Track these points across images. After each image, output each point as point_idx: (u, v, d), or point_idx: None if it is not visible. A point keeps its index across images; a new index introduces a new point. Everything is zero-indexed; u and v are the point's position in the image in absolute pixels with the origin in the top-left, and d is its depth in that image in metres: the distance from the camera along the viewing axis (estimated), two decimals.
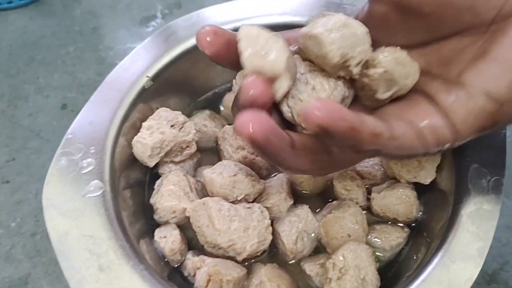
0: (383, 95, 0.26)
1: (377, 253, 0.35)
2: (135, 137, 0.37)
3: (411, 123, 0.24)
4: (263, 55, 0.23)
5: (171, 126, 0.37)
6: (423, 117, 0.24)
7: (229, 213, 0.33)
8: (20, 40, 0.64)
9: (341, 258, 0.31)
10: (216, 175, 0.35)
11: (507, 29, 0.23)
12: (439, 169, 0.36)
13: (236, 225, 0.33)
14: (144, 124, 0.37)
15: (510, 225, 0.44)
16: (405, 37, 0.26)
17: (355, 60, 0.24)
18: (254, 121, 0.21)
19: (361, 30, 0.24)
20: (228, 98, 0.44)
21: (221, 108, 0.45)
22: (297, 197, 0.38)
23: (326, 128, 0.20)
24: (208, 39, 0.24)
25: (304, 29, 0.24)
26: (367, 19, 0.26)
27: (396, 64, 0.25)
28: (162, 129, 0.36)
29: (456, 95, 0.24)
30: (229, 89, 0.46)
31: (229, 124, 0.41)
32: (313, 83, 0.25)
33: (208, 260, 0.33)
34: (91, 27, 0.65)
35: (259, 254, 0.34)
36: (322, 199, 0.38)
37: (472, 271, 0.29)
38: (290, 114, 0.25)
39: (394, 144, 0.23)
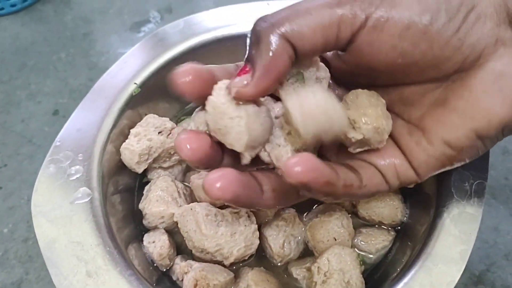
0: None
1: (363, 255, 0.36)
2: (123, 144, 0.37)
3: (376, 165, 0.26)
4: (224, 134, 0.23)
5: (159, 132, 0.37)
6: (386, 158, 0.26)
7: (216, 218, 0.34)
8: (12, 46, 0.64)
9: (325, 262, 0.32)
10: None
11: (466, 81, 0.24)
12: None
13: (223, 230, 0.33)
14: (132, 131, 0.38)
15: (497, 226, 0.44)
16: (367, 81, 0.27)
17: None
18: (223, 182, 0.23)
19: (338, 114, 0.23)
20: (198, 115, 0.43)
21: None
22: None
23: (306, 183, 0.22)
24: (187, 79, 0.24)
25: (282, 93, 0.24)
26: (329, 60, 0.28)
27: (374, 133, 0.25)
28: (149, 135, 0.37)
29: (417, 140, 0.26)
30: None
31: None
32: (289, 128, 0.25)
33: (196, 264, 0.33)
34: (83, 33, 0.66)
35: (246, 258, 0.34)
36: (309, 203, 0.38)
37: (454, 274, 0.29)
38: (268, 158, 0.25)
39: (362, 191, 0.25)
